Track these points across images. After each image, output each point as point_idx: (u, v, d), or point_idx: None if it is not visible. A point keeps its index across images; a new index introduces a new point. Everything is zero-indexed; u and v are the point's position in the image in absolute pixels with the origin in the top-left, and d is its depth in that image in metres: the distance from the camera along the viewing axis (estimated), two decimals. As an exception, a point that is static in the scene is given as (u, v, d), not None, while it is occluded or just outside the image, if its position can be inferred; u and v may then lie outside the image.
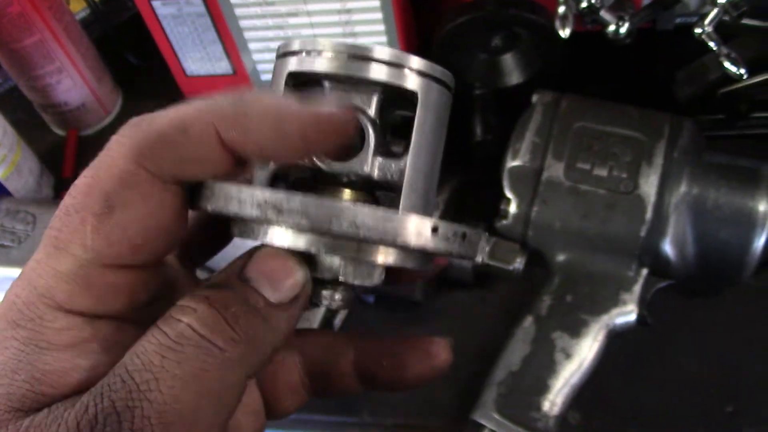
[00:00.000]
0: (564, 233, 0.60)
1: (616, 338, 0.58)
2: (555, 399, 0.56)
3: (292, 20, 0.68)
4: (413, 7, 0.71)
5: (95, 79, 0.84)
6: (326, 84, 0.30)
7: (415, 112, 0.31)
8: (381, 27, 0.67)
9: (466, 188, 0.69)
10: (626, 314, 0.58)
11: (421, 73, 0.30)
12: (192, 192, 0.29)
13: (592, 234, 0.59)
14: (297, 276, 0.28)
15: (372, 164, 0.30)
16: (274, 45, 0.71)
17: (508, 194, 0.61)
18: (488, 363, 0.59)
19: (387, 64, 0.29)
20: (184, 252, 0.34)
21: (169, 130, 0.26)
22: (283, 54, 0.30)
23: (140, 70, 0.90)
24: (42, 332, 0.26)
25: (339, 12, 0.66)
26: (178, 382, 0.25)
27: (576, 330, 0.58)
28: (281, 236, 0.29)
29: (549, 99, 0.63)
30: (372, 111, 0.30)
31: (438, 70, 0.30)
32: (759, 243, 0.57)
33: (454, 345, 0.35)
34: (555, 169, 0.60)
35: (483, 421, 0.57)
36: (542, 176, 0.60)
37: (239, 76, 0.76)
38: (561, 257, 0.61)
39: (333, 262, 0.30)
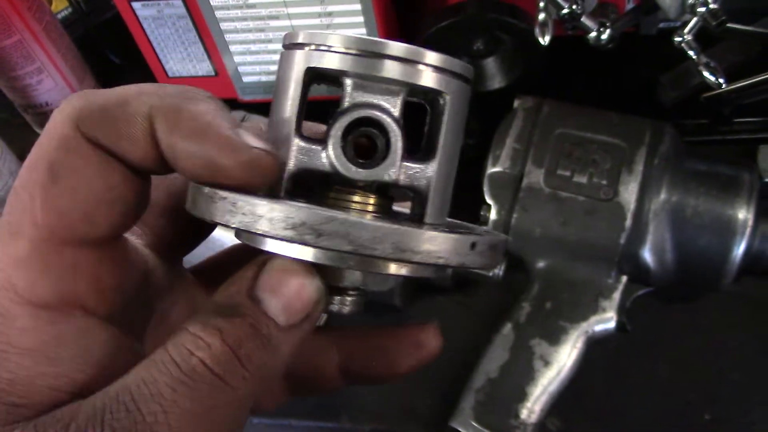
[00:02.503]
0: (544, 240, 0.60)
1: (595, 345, 0.58)
2: (533, 407, 0.56)
3: (273, 23, 0.68)
4: (396, 10, 0.71)
5: (77, 79, 0.83)
6: (347, 81, 0.28)
7: (429, 106, 0.30)
8: (363, 31, 0.67)
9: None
10: (605, 321, 0.58)
11: (452, 74, 0.28)
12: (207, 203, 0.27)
13: (571, 241, 0.59)
14: (312, 294, 0.27)
15: (398, 171, 0.28)
16: (256, 47, 0.71)
17: (489, 200, 0.61)
18: (467, 369, 0.59)
19: (416, 63, 0.27)
20: (160, 245, 0.32)
21: (109, 103, 0.26)
22: (293, 45, 0.28)
23: (123, 69, 0.89)
24: (3, 332, 0.25)
25: (320, 15, 0.66)
26: (188, 417, 0.24)
27: (555, 337, 0.58)
28: (301, 248, 0.26)
29: (530, 104, 0.63)
30: (397, 112, 0.28)
31: (464, 67, 0.28)
32: (738, 250, 0.57)
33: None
34: (535, 176, 0.60)
35: (461, 429, 0.57)
36: (522, 183, 0.60)
37: (221, 77, 0.76)
38: (541, 264, 0.61)
39: (356, 273, 0.29)
